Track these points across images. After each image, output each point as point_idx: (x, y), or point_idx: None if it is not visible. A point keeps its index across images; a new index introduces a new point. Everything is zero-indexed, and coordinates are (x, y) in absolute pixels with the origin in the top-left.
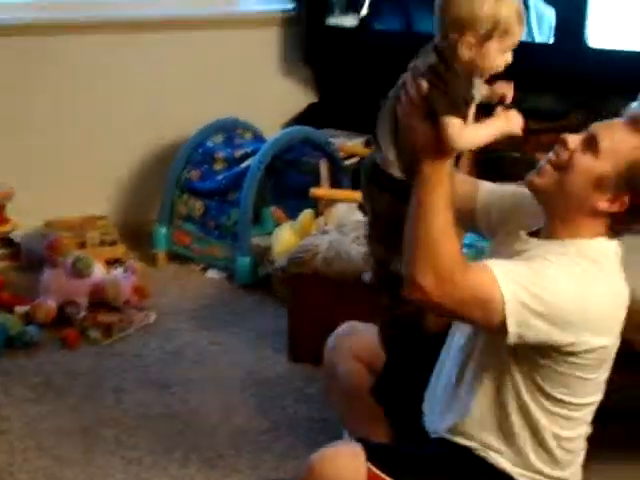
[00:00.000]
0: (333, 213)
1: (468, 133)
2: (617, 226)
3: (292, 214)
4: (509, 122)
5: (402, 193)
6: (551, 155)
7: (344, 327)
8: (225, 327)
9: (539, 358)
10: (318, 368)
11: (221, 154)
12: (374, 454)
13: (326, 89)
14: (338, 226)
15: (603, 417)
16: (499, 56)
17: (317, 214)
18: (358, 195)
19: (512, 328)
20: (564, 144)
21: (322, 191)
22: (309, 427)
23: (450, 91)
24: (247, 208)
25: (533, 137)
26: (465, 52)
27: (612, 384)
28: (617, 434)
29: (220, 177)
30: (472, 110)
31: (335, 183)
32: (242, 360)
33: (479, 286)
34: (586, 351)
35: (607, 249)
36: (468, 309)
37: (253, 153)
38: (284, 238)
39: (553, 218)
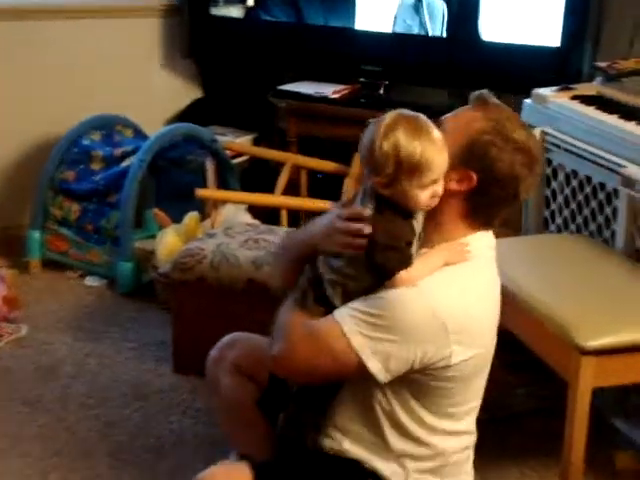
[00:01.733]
0: (220, 215)
1: (414, 273)
2: (478, 212)
3: (176, 216)
4: (453, 253)
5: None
6: None
7: (227, 338)
8: (106, 338)
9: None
10: (205, 380)
11: (99, 153)
12: (261, 474)
13: (211, 84)
14: (225, 229)
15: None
16: (420, 194)
17: (203, 216)
18: (246, 196)
19: (371, 363)
20: None
21: (208, 192)
22: (196, 444)
23: (389, 240)
24: (128, 210)
25: None
26: (385, 192)
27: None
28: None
29: (98, 177)
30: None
31: (222, 183)
32: (124, 373)
33: (321, 333)
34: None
35: (479, 245)
36: (317, 361)
37: (134, 151)
38: (168, 242)
39: (428, 223)
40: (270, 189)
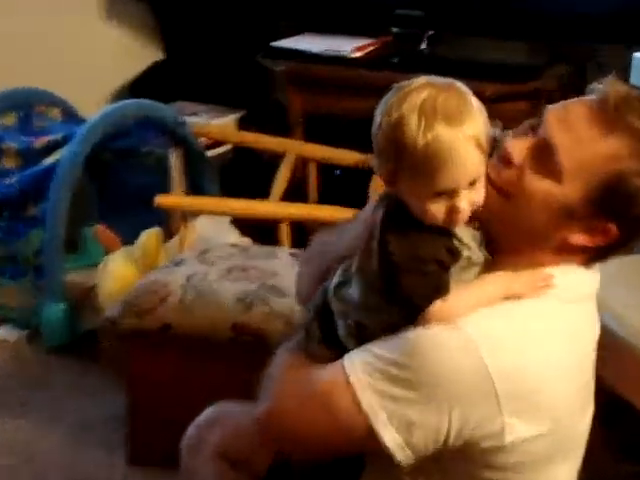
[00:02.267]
0: (192, 232)
1: (454, 305)
2: (600, 258)
3: (128, 235)
4: (522, 283)
5: None
6: (490, 171)
7: (207, 413)
8: (29, 412)
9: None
10: (172, 473)
11: (11, 145)
12: None
13: (176, 40)
14: (200, 253)
15: None
16: (428, 205)
17: (167, 234)
18: (229, 203)
19: (386, 434)
20: (506, 158)
21: (173, 198)
22: None
23: (409, 259)
24: (56, 227)
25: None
26: (391, 192)
27: None
28: None
29: (12, 180)
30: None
31: (194, 185)
32: (55, 464)
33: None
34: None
35: (570, 280)
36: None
37: (64, 142)
38: (116, 273)
39: (499, 252)
40: (265, 193)
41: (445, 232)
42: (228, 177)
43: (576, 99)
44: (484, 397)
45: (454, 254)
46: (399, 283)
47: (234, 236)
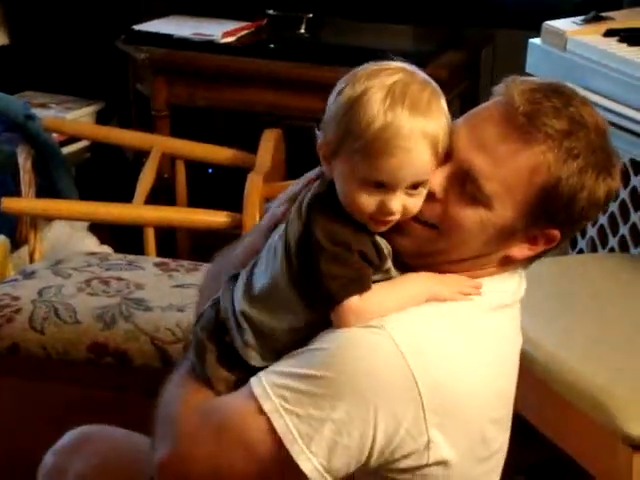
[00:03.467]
0: (44, 240)
1: (373, 302)
2: (536, 260)
3: None
4: (446, 285)
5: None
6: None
7: (68, 438)
8: None
9: None
10: None
11: None
12: None
13: (23, 22)
14: (54, 263)
15: None
16: (362, 194)
17: (15, 243)
18: (86, 206)
19: (303, 460)
20: (428, 193)
21: (22, 202)
22: None
23: (329, 243)
24: None
25: None
26: (325, 167)
27: None
28: None
29: None
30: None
31: (46, 186)
32: None
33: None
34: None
35: (497, 288)
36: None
37: None
38: None
39: (430, 244)
40: (128, 195)
41: (368, 232)
42: (86, 177)
43: (481, 111)
44: (410, 407)
45: (380, 254)
46: (318, 268)
47: (92, 244)
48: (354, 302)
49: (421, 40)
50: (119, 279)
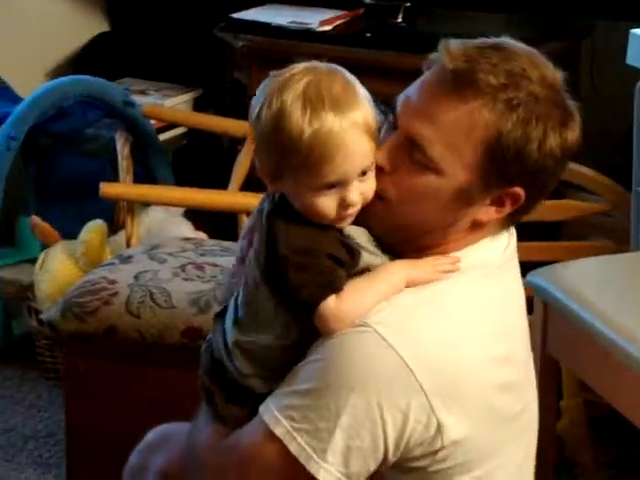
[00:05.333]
0: (141, 225)
1: (348, 300)
2: (508, 222)
3: (69, 228)
4: (422, 267)
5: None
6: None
7: (152, 435)
8: None
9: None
10: None
11: None
12: None
13: (122, 10)
14: (150, 248)
15: None
16: (317, 200)
17: (113, 228)
18: (182, 193)
19: (322, 474)
20: (376, 167)
21: (120, 187)
22: None
23: (295, 254)
24: None
25: None
26: (273, 188)
27: None
28: None
29: None
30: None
31: (144, 173)
32: None
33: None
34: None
35: (478, 256)
36: None
37: None
38: (56, 270)
39: (406, 255)
40: (223, 182)
41: (333, 230)
42: (182, 164)
43: (419, 79)
44: (413, 396)
45: (352, 253)
46: (286, 279)
47: (188, 229)
48: (330, 306)
49: (518, 29)
50: (214, 265)
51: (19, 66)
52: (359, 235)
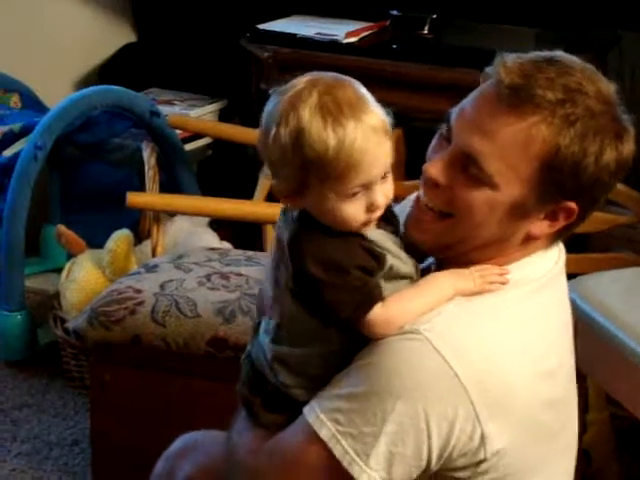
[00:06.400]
0: (167, 235)
1: (394, 308)
2: (560, 236)
3: (95, 237)
4: (472, 279)
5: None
6: (422, 199)
7: (179, 443)
8: None
9: None
10: None
11: None
12: None
13: (150, 20)
14: (176, 258)
15: None
16: (346, 207)
17: (139, 237)
18: (208, 203)
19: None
20: (432, 182)
21: (146, 197)
22: None
23: (325, 272)
24: (15, 229)
25: None
26: (295, 206)
27: None
28: None
29: None
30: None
31: (170, 182)
32: None
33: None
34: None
35: (528, 271)
36: None
37: (25, 133)
38: (82, 279)
39: (447, 234)
40: (248, 192)
41: (358, 235)
42: (208, 174)
43: (474, 93)
44: (460, 405)
45: (377, 258)
46: (324, 301)
47: (213, 239)
48: (377, 313)
49: (544, 42)
50: (239, 274)
51: (46, 76)
52: (380, 238)
